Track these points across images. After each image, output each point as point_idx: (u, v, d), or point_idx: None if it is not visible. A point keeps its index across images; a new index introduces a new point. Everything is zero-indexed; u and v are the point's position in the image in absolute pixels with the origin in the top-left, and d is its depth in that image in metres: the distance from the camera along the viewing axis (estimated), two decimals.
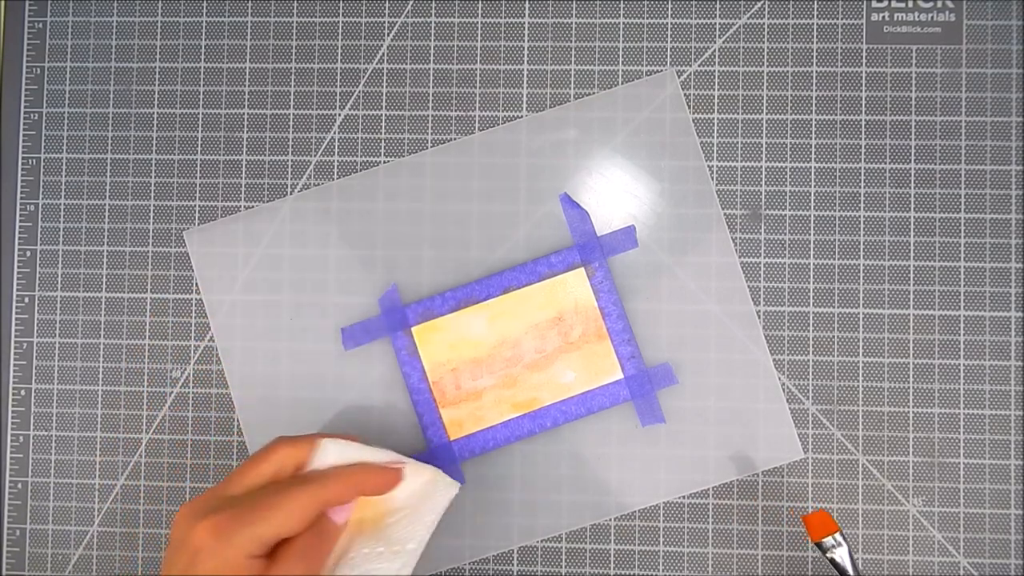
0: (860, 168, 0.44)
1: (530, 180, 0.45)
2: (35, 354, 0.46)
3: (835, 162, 0.44)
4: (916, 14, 0.44)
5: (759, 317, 0.44)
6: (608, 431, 0.43)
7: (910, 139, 0.44)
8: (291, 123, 0.46)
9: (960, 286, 0.43)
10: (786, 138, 0.44)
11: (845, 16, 0.44)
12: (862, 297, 0.43)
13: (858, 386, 0.43)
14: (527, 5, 0.45)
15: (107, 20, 0.47)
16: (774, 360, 0.43)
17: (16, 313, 0.46)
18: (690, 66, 0.45)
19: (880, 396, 0.43)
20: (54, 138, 0.46)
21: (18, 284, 0.46)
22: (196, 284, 0.45)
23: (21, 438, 0.46)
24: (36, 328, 0.46)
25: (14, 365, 0.46)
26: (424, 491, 0.37)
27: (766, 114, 0.44)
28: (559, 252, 0.44)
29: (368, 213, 0.45)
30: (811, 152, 0.44)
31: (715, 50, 0.45)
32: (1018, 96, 0.44)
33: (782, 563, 0.43)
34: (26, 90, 0.46)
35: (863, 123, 0.44)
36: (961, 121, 0.44)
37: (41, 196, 0.46)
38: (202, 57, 0.46)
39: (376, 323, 0.44)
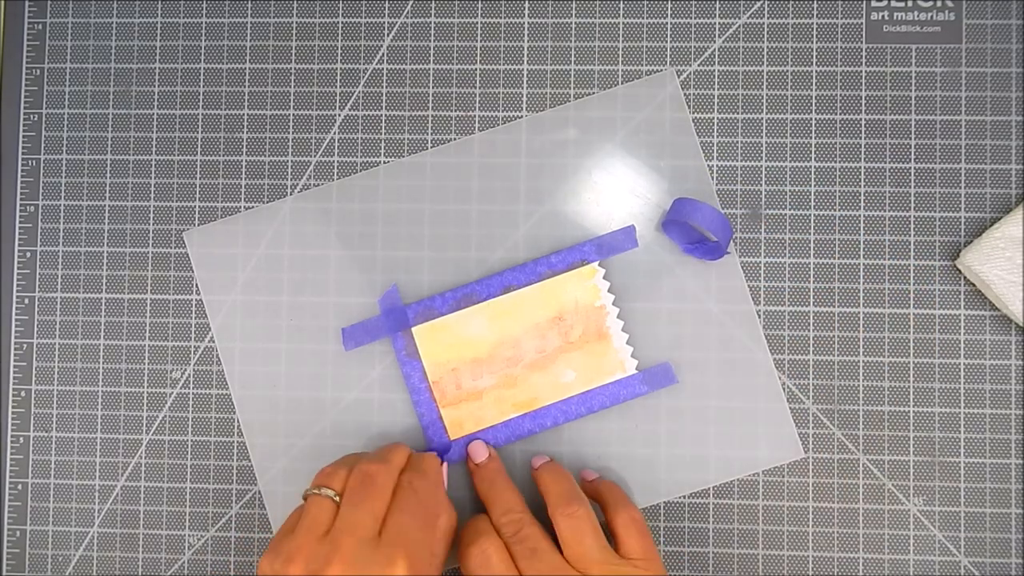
0: (860, 167, 0.44)
1: (530, 180, 0.45)
2: (35, 355, 0.46)
3: (835, 161, 0.44)
4: (916, 13, 0.44)
5: (759, 316, 0.44)
6: (608, 431, 0.43)
7: (910, 138, 0.44)
8: (291, 124, 0.46)
9: (960, 285, 0.43)
10: (786, 137, 0.44)
11: (844, 15, 0.44)
12: (862, 296, 0.43)
13: (858, 385, 0.43)
14: (527, 5, 0.45)
15: (107, 21, 0.47)
16: (774, 359, 0.43)
17: (16, 314, 0.46)
18: (690, 66, 0.45)
19: (880, 395, 0.43)
20: (54, 139, 0.46)
21: (18, 285, 0.46)
22: (196, 285, 0.45)
23: (21, 439, 0.45)
24: (36, 329, 0.46)
25: (14, 366, 0.46)
26: None
27: (766, 113, 0.44)
28: (559, 252, 0.44)
29: (368, 213, 0.45)
30: (811, 151, 0.44)
31: (715, 50, 0.45)
32: (1018, 95, 0.44)
33: (783, 563, 0.43)
34: (26, 91, 0.46)
35: (863, 122, 0.44)
36: (961, 120, 0.44)
37: (41, 197, 0.46)
38: (202, 58, 0.46)
39: (376, 323, 0.44)
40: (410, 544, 0.36)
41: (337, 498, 0.37)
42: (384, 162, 0.45)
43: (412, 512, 0.37)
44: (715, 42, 0.45)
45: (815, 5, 0.44)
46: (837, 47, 0.44)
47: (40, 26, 0.47)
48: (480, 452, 0.42)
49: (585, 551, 0.37)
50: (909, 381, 0.43)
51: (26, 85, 0.46)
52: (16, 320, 0.46)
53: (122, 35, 0.46)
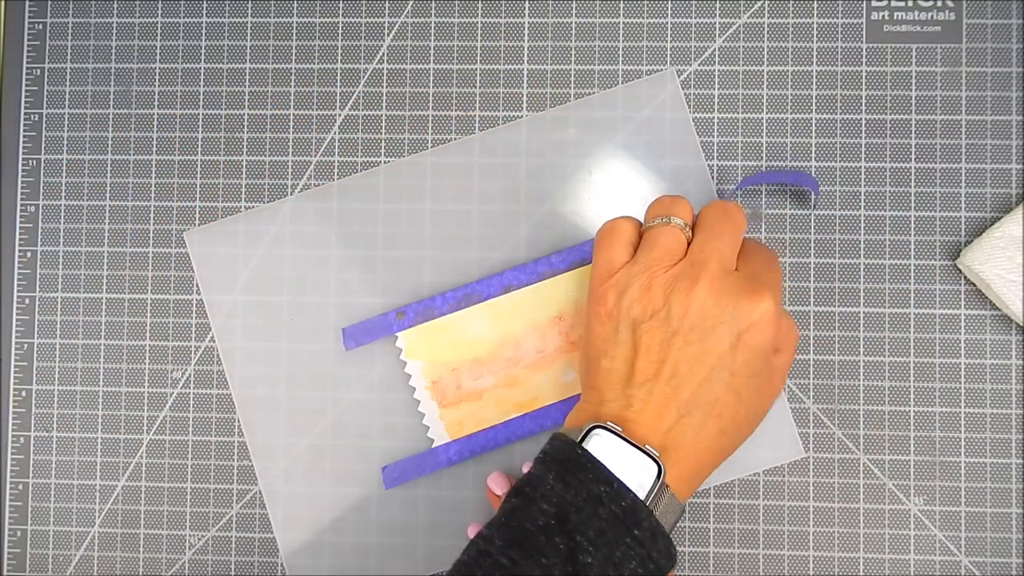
0: (860, 167, 0.44)
1: (530, 180, 0.45)
2: (36, 355, 0.46)
3: (835, 161, 0.44)
4: (916, 13, 0.44)
5: None
6: None
7: (910, 138, 0.44)
8: (291, 123, 0.46)
9: (961, 285, 0.43)
10: (786, 137, 0.44)
11: (845, 15, 0.44)
12: (863, 296, 0.43)
13: (859, 385, 0.43)
14: (527, 5, 0.45)
15: (107, 21, 0.47)
16: None
17: (17, 314, 0.46)
18: (690, 65, 0.45)
19: (881, 395, 0.43)
20: (54, 139, 0.46)
21: (19, 285, 0.46)
22: (197, 285, 0.45)
23: (22, 439, 0.46)
24: (37, 329, 0.46)
25: (15, 366, 0.46)
26: None
27: (766, 113, 0.44)
28: (559, 252, 0.44)
29: (368, 213, 0.45)
30: (811, 151, 0.44)
31: (715, 49, 0.45)
32: (1018, 95, 0.44)
33: (783, 562, 0.43)
34: (26, 91, 0.46)
35: (863, 122, 0.44)
36: (961, 120, 0.44)
37: (41, 197, 0.46)
38: (202, 58, 0.46)
39: (376, 323, 0.44)
40: (771, 285, 0.32)
41: (688, 229, 0.33)
42: (384, 162, 0.45)
43: (765, 261, 0.33)
44: (715, 42, 0.45)
45: (815, 5, 0.44)
46: (837, 47, 0.44)
47: (40, 26, 0.47)
48: (502, 485, 0.41)
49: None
50: (910, 381, 0.43)
51: (26, 85, 0.46)
52: (17, 320, 0.46)
53: (122, 35, 0.46)
